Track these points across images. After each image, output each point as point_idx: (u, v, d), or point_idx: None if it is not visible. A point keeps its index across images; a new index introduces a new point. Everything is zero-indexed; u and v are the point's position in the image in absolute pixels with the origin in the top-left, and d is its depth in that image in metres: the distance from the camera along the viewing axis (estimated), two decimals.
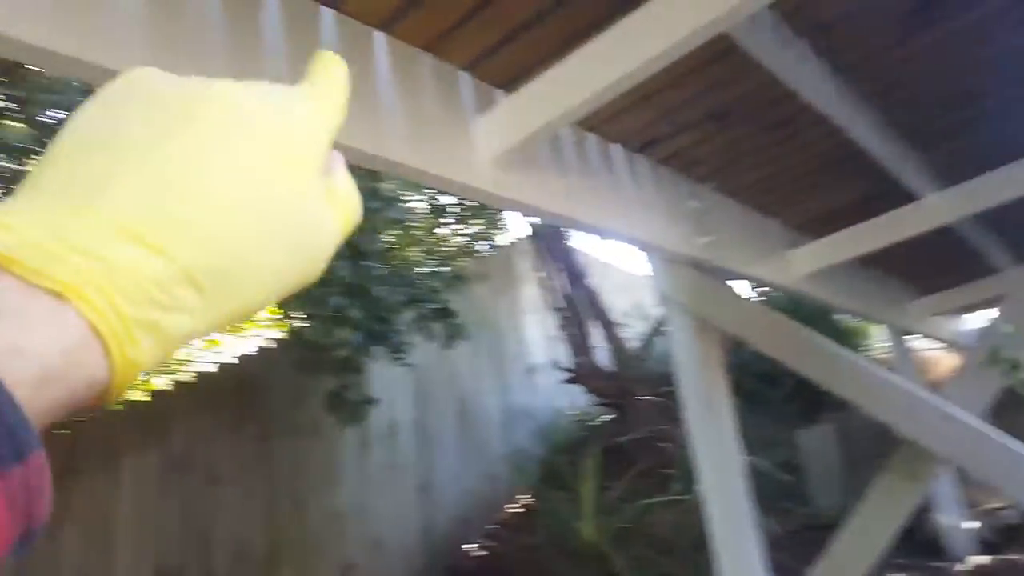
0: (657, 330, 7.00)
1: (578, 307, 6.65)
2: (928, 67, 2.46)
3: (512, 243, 7.86)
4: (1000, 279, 4.88)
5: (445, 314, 4.20)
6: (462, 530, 6.13)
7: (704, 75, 2.27)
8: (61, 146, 0.29)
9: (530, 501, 5.91)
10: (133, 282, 0.26)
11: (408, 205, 6.32)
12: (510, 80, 2.08)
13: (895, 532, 2.48)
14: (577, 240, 7.29)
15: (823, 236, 3.45)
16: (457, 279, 4.61)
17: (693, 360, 2.72)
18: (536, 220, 6.70)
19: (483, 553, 6.31)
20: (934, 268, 4.83)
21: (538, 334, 7.44)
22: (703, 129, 2.61)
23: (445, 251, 7.42)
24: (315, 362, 3.80)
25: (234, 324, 0.31)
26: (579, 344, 6.59)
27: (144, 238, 0.27)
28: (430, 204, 7.00)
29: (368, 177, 3.90)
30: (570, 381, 6.58)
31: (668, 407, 5.80)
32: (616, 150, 2.56)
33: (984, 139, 3.01)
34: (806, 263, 3.44)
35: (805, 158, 2.92)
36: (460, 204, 7.24)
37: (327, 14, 1.66)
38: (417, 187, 6.60)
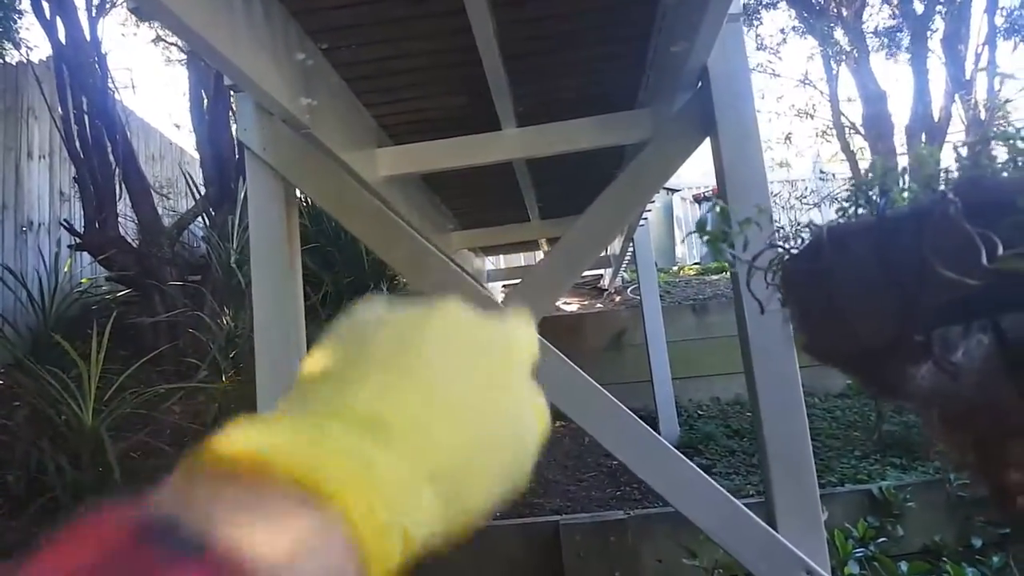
0: (195, 212, 6.32)
1: (103, 162, 5.55)
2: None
3: (24, 63, 6.20)
4: (528, 228, 5.65)
5: None
6: None
7: None
8: (314, 360, 0.33)
9: (8, 378, 4.81)
10: (386, 486, 0.27)
11: None
12: None
13: None
14: (116, 90, 6.08)
15: (408, 143, 3.43)
16: None
17: (275, 229, 2.42)
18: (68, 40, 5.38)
19: None
20: (479, 205, 5.31)
21: (45, 186, 6.05)
22: None
23: None
24: None
25: (456, 528, 0.31)
26: (99, 207, 5.53)
27: (393, 442, 0.28)
28: None
29: None
30: (81, 247, 5.51)
31: (198, 293, 5.29)
32: None
33: (572, 85, 3.33)
34: (387, 166, 3.38)
35: (423, 50, 2.82)
36: None
37: None
38: None
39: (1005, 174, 0.74)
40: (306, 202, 5.39)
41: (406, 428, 0.29)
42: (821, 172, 9.39)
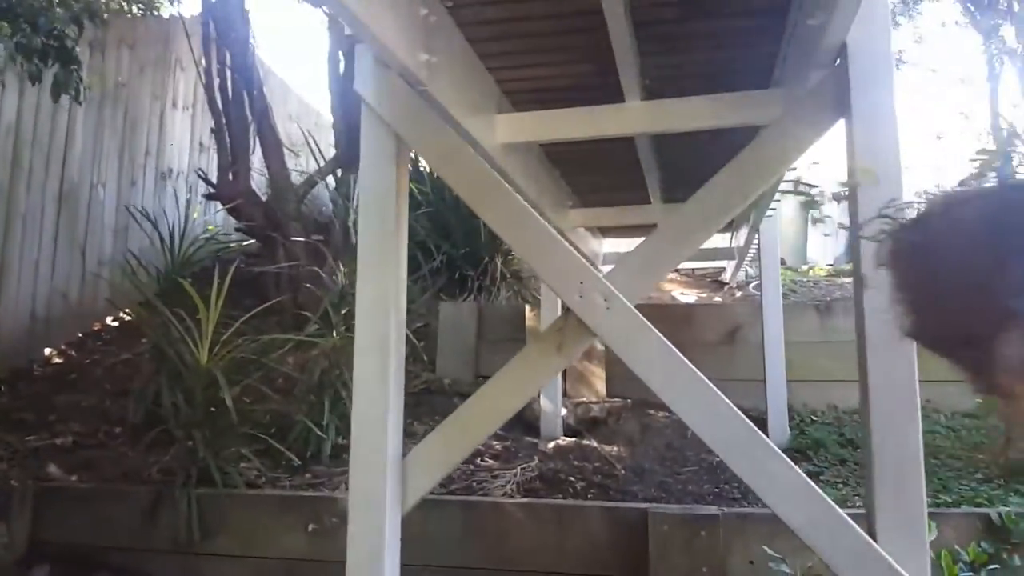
0: (324, 172, 6.50)
1: (240, 116, 5.78)
2: None
3: (174, 16, 6.54)
4: (648, 211, 5.43)
5: (62, 54, 3.15)
6: (42, 331, 5.13)
7: None
8: None
9: (135, 315, 5.14)
10: None
11: None
12: None
13: (526, 401, 2.51)
14: (257, 43, 6.31)
15: (529, 110, 3.33)
16: (89, 16, 3.45)
17: (384, 186, 2.38)
18: None
19: (60, 361, 5.38)
20: (600, 184, 5.14)
21: (186, 136, 6.39)
22: None
23: None
24: None
25: None
26: (233, 159, 5.78)
27: None
28: None
29: None
30: (212, 197, 5.79)
31: (319, 251, 5.43)
32: None
33: (703, 59, 3.11)
34: (505, 132, 3.29)
35: (550, 11, 2.68)
36: None
37: None
38: None
39: None
40: (429, 168, 5.41)
41: None
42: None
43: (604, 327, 2.30)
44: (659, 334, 2.28)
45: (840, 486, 4.33)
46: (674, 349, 2.27)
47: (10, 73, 3.73)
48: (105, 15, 3.71)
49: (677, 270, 8.36)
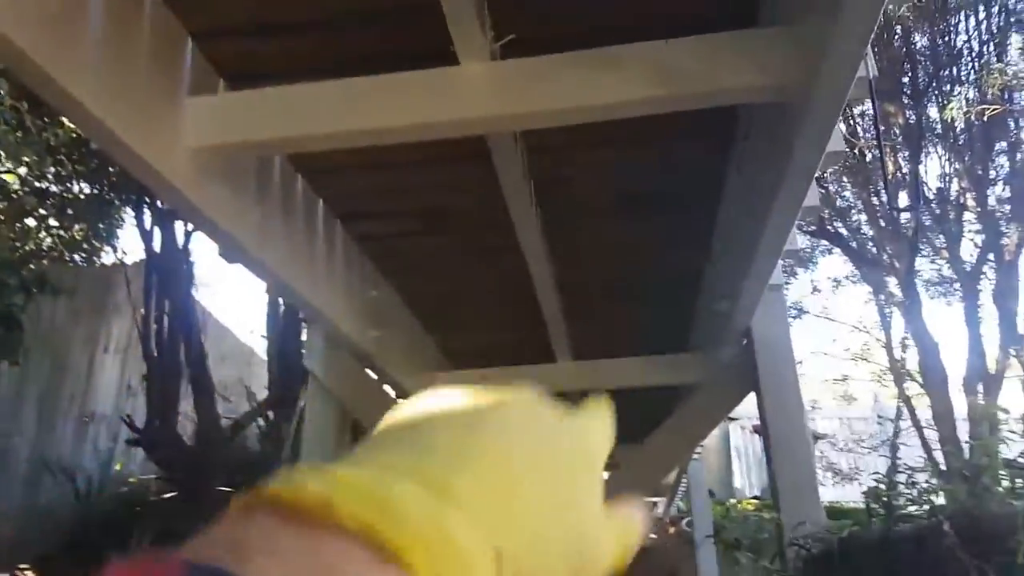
0: (253, 415, 6.44)
1: (174, 362, 5.78)
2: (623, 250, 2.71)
3: (116, 263, 6.72)
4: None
5: (9, 323, 3.22)
6: None
7: (445, 169, 2.17)
8: (383, 426, 0.31)
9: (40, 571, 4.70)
10: (458, 553, 0.24)
11: None
12: (240, 74, 1.72)
13: None
14: (198, 289, 6.51)
15: (467, 368, 3.50)
16: (41, 285, 3.58)
17: (326, 453, 2.43)
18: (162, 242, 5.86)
19: None
20: None
21: (114, 379, 6.30)
22: (414, 222, 2.49)
23: (26, 247, 6.02)
24: None
25: None
26: (161, 404, 5.68)
27: (464, 511, 0.26)
28: (24, 182, 5.64)
29: None
30: (136, 443, 5.60)
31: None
32: (321, 207, 2.28)
33: (624, 327, 3.42)
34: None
35: (487, 287, 2.95)
36: (65, 195, 6.02)
37: None
38: (16, 155, 5.30)
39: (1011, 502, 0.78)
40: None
41: (479, 503, 0.26)
42: (879, 416, 9.19)
43: None
44: None
45: None
46: None
47: None
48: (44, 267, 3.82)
49: None
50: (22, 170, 5.18)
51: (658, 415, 2.96)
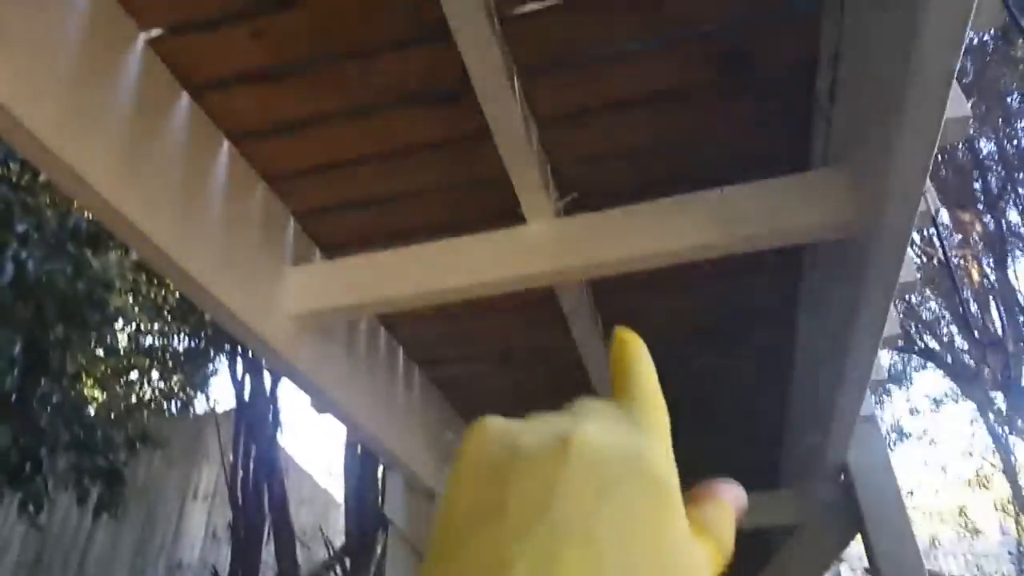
0: (329, 564, 6.39)
1: (258, 509, 5.86)
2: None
3: (208, 412, 7.00)
4: None
5: (113, 478, 3.36)
6: None
7: (515, 314, 2.25)
8: (450, 519, 0.28)
9: None
10: None
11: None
12: (334, 244, 1.89)
13: None
14: (283, 435, 6.68)
15: None
16: (144, 439, 3.77)
17: None
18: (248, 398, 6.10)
19: None
20: None
21: (200, 527, 6.40)
22: (488, 364, 2.55)
23: (131, 401, 6.36)
24: None
25: None
26: (244, 552, 5.71)
27: None
28: (132, 337, 6.07)
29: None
30: None
31: None
32: (401, 353, 2.38)
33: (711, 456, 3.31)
34: None
35: (547, 384, 2.95)
36: (167, 349, 6.40)
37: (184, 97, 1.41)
38: (132, 319, 5.74)
39: None
40: None
41: None
42: (1009, 552, 8.34)
43: None
44: None
45: None
46: None
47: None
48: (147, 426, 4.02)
49: None
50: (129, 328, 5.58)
51: (754, 563, 2.80)
